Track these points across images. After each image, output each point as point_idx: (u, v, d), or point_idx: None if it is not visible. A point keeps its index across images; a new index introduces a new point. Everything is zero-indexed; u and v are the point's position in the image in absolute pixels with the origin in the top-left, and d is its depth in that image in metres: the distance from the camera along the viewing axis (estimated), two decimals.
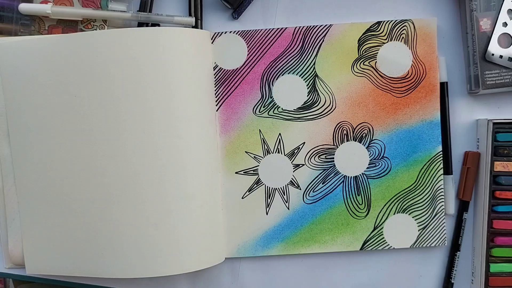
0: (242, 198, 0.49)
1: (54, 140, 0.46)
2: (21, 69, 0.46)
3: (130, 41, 0.44)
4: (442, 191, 0.48)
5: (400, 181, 0.49)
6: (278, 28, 0.49)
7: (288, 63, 0.49)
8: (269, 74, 0.49)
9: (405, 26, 0.48)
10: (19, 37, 0.48)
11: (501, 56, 0.46)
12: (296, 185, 0.49)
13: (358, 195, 0.49)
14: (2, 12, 0.48)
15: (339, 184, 0.49)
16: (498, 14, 0.46)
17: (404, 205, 0.49)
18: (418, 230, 0.48)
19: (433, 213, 0.48)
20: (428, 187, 0.48)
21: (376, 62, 0.48)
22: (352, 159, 0.49)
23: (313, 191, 0.49)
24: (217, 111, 0.49)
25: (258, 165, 0.49)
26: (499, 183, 0.47)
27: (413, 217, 0.49)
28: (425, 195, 0.48)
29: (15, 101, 0.47)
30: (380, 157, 0.49)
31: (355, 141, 0.49)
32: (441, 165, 0.48)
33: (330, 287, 0.50)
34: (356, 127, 0.49)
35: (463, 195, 0.48)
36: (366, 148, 0.49)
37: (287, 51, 0.49)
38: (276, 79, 0.49)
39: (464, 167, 0.48)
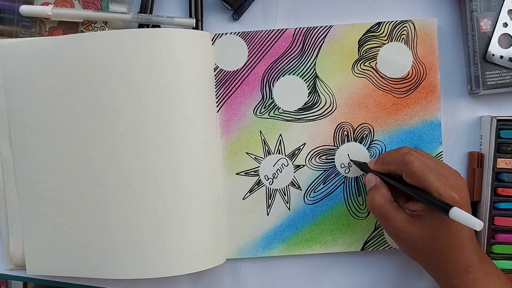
0: (243, 199, 0.49)
1: (55, 142, 0.46)
2: (22, 71, 0.46)
3: (131, 42, 0.44)
4: None
5: None
6: (278, 29, 0.49)
7: (289, 64, 0.49)
8: (269, 75, 0.49)
9: (405, 26, 0.48)
10: (20, 38, 0.48)
11: (501, 57, 0.46)
12: (297, 185, 0.49)
13: (359, 196, 0.49)
14: (3, 14, 0.48)
15: (340, 185, 0.49)
16: (499, 15, 0.46)
17: None
18: None
19: None
20: None
21: (376, 62, 0.48)
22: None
23: (314, 192, 0.49)
24: (217, 112, 0.49)
25: (258, 166, 0.49)
26: (502, 180, 0.47)
27: None
28: None
29: (16, 102, 0.47)
30: None
31: (356, 141, 0.49)
32: None
33: (331, 287, 0.50)
34: (356, 128, 0.49)
35: (474, 197, 0.48)
36: (367, 148, 0.49)
37: (288, 52, 0.49)
38: (277, 80, 0.49)
39: (471, 168, 0.48)
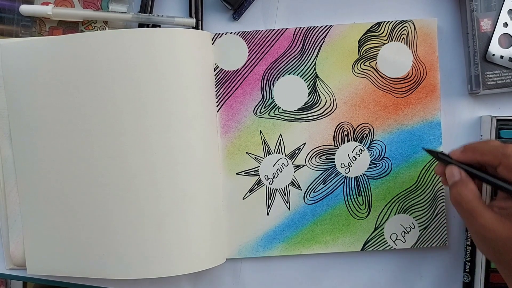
0: (243, 199, 0.49)
1: (55, 141, 0.46)
2: (22, 70, 0.46)
3: (131, 42, 0.44)
4: (442, 192, 0.48)
5: (400, 181, 0.49)
6: (278, 29, 0.49)
7: (289, 64, 0.49)
8: (269, 75, 0.49)
9: (405, 26, 0.48)
10: (20, 38, 0.48)
11: (501, 57, 0.46)
12: (297, 185, 0.49)
13: (359, 196, 0.49)
14: (3, 14, 0.48)
15: (340, 185, 0.49)
16: (499, 15, 0.46)
17: (405, 206, 0.49)
18: (419, 231, 0.48)
19: (434, 214, 0.48)
20: (429, 187, 0.48)
21: (376, 62, 0.48)
22: (352, 160, 0.49)
23: (314, 192, 0.49)
24: (217, 112, 0.49)
25: (258, 166, 0.49)
26: None
27: (414, 218, 0.49)
28: (425, 196, 0.48)
29: (16, 102, 0.47)
30: (381, 157, 0.49)
31: (356, 141, 0.49)
32: None
33: (331, 287, 0.50)
34: (356, 128, 0.49)
35: None
36: (367, 148, 0.49)
37: (288, 52, 0.49)
38: (277, 80, 0.49)
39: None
